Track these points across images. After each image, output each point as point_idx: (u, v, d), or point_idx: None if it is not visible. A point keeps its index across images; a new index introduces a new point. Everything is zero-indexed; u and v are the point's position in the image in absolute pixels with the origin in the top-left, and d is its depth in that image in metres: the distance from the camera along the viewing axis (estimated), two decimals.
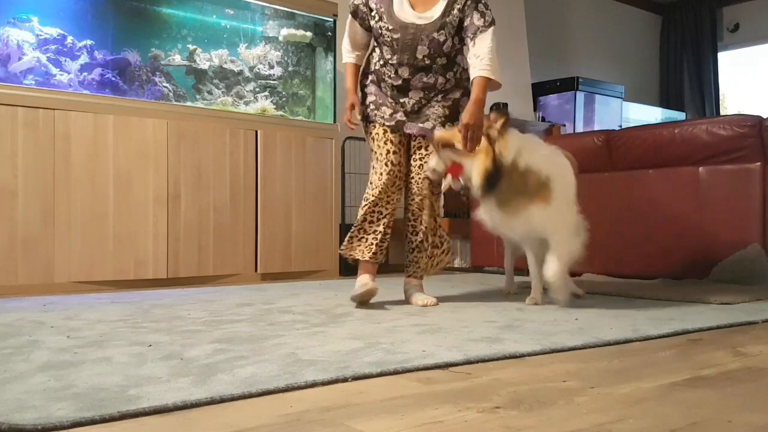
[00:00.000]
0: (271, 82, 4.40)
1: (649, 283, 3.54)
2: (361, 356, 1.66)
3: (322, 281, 4.03)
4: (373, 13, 2.72)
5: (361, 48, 2.87)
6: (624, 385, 1.42)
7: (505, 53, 5.24)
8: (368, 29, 2.80)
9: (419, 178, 2.83)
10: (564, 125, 6.25)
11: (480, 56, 2.60)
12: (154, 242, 3.67)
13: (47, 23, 3.61)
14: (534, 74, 6.32)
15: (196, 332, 2.06)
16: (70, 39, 3.66)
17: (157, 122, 3.70)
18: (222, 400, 1.28)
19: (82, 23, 3.73)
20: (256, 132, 4.08)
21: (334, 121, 4.48)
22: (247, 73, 4.31)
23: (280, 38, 4.43)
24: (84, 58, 3.69)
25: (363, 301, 2.68)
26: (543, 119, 6.33)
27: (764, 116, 3.54)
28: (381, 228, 2.78)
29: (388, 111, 2.80)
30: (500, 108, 2.68)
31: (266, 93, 4.37)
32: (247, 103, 4.27)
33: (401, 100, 2.78)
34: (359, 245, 2.80)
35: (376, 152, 2.83)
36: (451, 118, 2.79)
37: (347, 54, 2.88)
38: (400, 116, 2.79)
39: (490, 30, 2.63)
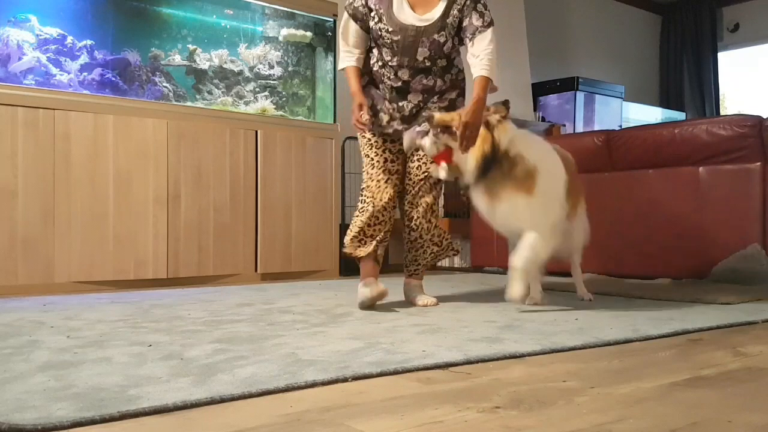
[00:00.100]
0: (271, 82, 4.40)
1: (651, 283, 3.54)
2: (361, 356, 1.66)
3: (322, 281, 4.04)
4: (372, 14, 2.68)
5: (361, 50, 2.79)
6: (624, 385, 1.42)
7: (505, 53, 5.25)
8: (368, 31, 2.74)
9: (417, 180, 2.81)
10: (564, 125, 6.25)
11: (479, 56, 2.58)
12: (154, 242, 3.67)
13: (47, 23, 3.61)
14: (534, 74, 6.32)
15: (196, 332, 2.06)
16: (70, 39, 3.66)
17: (157, 122, 3.70)
18: (222, 400, 1.28)
19: (82, 23, 3.73)
20: (256, 132, 4.08)
21: (334, 121, 4.49)
22: (247, 73, 4.31)
23: (280, 38, 4.43)
24: (84, 58, 3.69)
25: (372, 305, 2.65)
26: (543, 119, 6.33)
27: (764, 116, 3.54)
28: (381, 235, 2.79)
29: (385, 118, 2.76)
30: (502, 103, 2.65)
31: (266, 93, 4.37)
32: (247, 103, 4.27)
33: (400, 104, 2.74)
34: (360, 246, 2.79)
35: (373, 159, 2.79)
36: None
37: (347, 57, 2.77)
38: (396, 124, 2.75)
39: (489, 31, 2.61)
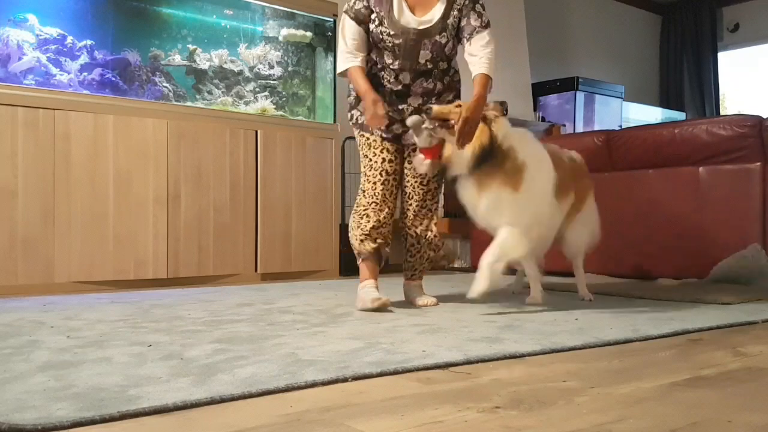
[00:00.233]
0: (271, 82, 4.40)
1: (651, 283, 3.54)
2: (361, 356, 1.66)
3: (322, 281, 4.04)
4: (373, 17, 2.66)
5: (365, 51, 2.72)
6: (624, 385, 1.42)
7: (505, 53, 5.25)
8: (369, 33, 2.71)
9: (415, 182, 2.81)
10: (564, 125, 6.25)
11: (478, 55, 2.58)
12: (154, 242, 3.67)
13: (47, 23, 3.61)
14: (534, 74, 6.31)
15: (196, 332, 2.06)
16: (70, 39, 3.66)
17: (157, 122, 3.70)
18: (222, 400, 1.28)
19: (82, 23, 3.73)
20: (256, 132, 4.08)
21: (334, 121, 4.49)
22: (247, 73, 4.31)
23: (280, 38, 4.43)
24: (84, 58, 3.69)
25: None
26: (543, 119, 6.33)
27: (764, 116, 3.54)
28: (382, 239, 2.78)
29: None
30: (500, 103, 2.66)
31: (266, 93, 4.37)
32: (247, 103, 4.27)
33: (400, 107, 2.72)
34: (363, 245, 2.78)
35: (371, 159, 2.77)
36: None
37: (351, 58, 2.67)
38: (396, 128, 2.74)
39: (487, 31, 2.61)
